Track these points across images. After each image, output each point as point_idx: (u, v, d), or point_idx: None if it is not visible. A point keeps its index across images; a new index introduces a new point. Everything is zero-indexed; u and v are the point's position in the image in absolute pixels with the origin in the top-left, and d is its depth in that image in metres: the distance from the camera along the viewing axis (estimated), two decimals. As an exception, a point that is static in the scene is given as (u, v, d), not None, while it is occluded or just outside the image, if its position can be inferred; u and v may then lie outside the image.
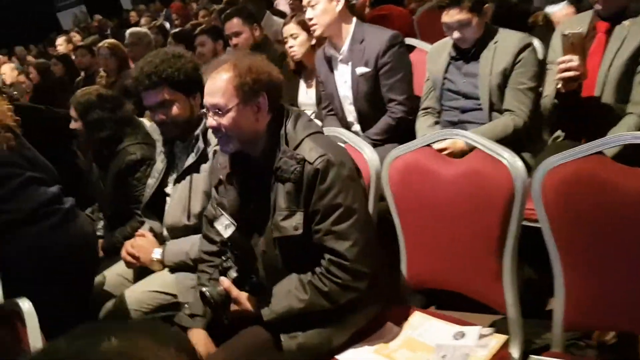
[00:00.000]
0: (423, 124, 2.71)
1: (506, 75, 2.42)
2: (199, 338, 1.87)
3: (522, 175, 1.64)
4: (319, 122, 3.27)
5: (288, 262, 1.78)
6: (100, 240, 2.76)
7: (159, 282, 2.22)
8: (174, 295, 2.16)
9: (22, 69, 8.31)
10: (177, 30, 5.01)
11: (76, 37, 9.35)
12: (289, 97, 3.49)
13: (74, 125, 2.71)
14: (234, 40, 3.71)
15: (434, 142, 1.92)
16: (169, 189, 2.35)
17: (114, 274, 2.47)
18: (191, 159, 2.22)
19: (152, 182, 2.39)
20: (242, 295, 1.82)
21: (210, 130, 2.03)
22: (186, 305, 2.00)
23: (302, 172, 1.68)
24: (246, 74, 1.68)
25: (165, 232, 2.34)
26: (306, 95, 3.46)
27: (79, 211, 2.25)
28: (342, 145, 2.13)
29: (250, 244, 1.83)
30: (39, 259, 2.01)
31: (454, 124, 2.58)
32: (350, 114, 3.01)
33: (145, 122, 3.09)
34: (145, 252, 2.26)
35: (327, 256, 1.70)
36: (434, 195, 1.83)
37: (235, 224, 1.80)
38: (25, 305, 1.58)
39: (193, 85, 2.16)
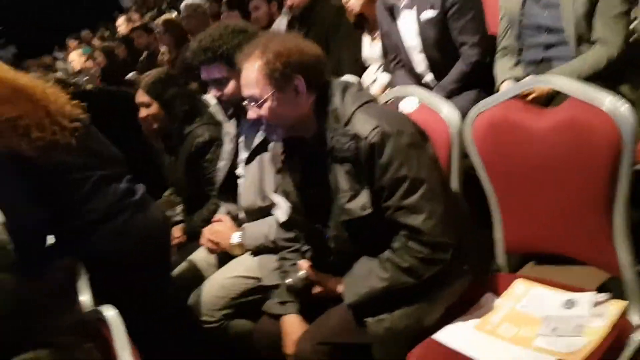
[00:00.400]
0: (503, 66, 2.47)
1: (593, 1, 2.14)
2: (294, 323, 1.81)
3: (628, 122, 1.42)
4: (386, 76, 3.11)
5: (361, 243, 1.68)
6: (182, 225, 2.75)
7: (242, 266, 2.18)
8: (259, 279, 2.11)
9: (90, 51, 8.43)
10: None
11: (135, 16, 9.42)
12: (353, 53, 3.32)
13: (145, 112, 2.66)
14: (289, 1, 3.54)
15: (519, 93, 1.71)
16: (240, 170, 2.27)
17: (198, 259, 2.45)
18: (258, 138, 2.13)
19: (222, 164, 2.33)
20: (323, 277, 1.77)
21: None
22: (274, 290, 1.93)
23: (358, 149, 1.56)
24: (275, 59, 1.57)
25: (242, 215, 2.28)
26: (370, 49, 3.27)
27: (150, 200, 2.20)
28: (417, 102, 1.97)
29: (314, 226, 1.76)
30: (115, 256, 1.98)
31: (537, 63, 2.34)
32: (420, 64, 2.81)
33: (210, 100, 3.03)
34: (224, 238, 2.22)
35: (402, 232, 1.59)
36: (527, 152, 1.64)
37: (290, 205, 1.73)
38: (110, 312, 1.50)
39: None
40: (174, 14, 7.86)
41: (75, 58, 7.56)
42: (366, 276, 1.64)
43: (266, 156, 2.10)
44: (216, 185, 2.47)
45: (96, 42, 9.44)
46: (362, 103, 1.62)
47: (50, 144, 1.88)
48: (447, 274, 1.62)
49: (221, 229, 2.25)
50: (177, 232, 2.73)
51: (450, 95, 2.58)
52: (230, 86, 2.08)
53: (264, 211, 2.12)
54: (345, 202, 1.61)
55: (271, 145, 2.07)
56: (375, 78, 3.22)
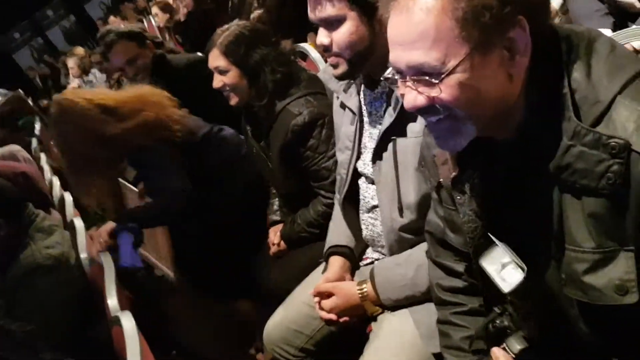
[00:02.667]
0: None
1: None
2: None
3: None
4: None
5: (605, 334, 0.93)
6: (280, 227, 2.10)
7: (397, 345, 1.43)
8: None
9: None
10: None
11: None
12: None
13: (220, 80, 1.96)
14: None
15: None
16: (362, 165, 1.55)
17: (299, 303, 1.73)
18: (389, 117, 1.38)
19: (344, 157, 1.58)
20: None
21: None
22: None
23: (627, 176, 0.79)
24: None
25: (365, 232, 1.59)
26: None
27: None
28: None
29: (542, 297, 0.98)
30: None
31: None
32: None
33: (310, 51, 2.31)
34: (350, 306, 1.52)
35: None
36: None
37: (525, 267, 0.94)
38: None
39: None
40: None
41: (159, 13, 6.92)
42: None
43: (402, 145, 1.37)
44: (327, 180, 1.84)
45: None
46: (629, 77, 0.82)
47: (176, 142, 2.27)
48: None
49: (339, 302, 1.51)
50: (274, 237, 2.08)
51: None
52: (343, 31, 1.32)
53: (405, 231, 1.42)
54: (583, 269, 0.86)
55: (412, 126, 1.34)
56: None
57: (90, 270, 1.98)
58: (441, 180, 1.07)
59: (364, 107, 1.52)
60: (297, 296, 1.73)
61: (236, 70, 1.93)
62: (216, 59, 1.95)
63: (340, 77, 1.43)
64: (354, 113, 1.53)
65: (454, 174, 1.02)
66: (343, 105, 1.58)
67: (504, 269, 0.96)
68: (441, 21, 0.81)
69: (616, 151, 0.79)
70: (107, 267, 1.83)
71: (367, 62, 1.36)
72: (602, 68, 0.84)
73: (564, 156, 0.83)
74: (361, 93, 1.51)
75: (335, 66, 1.39)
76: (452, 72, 0.82)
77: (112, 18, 8.52)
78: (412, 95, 0.86)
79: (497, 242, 0.97)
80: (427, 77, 0.83)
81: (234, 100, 1.98)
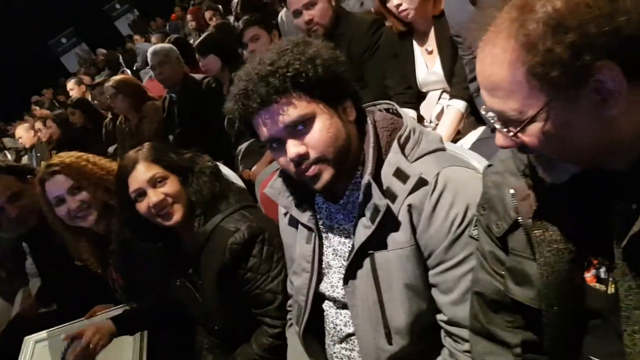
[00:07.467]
0: None
1: None
2: None
3: None
4: (461, 104, 2.21)
5: None
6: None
7: None
8: None
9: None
10: (205, 36, 3.95)
11: (86, 79, 8.46)
12: (402, 76, 2.42)
13: (160, 194, 1.63)
14: (306, 16, 2.58)
15: None
16: (327, 288, 1.32)
17: None
18: (364, 229, 1.17)
19: (302, 281, 1.33)
20: None
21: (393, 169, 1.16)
22: None
23: None
24: (548, 32, 0.71)
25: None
26: (427, 70, 2.35)
27: None
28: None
29: None
30: None
31: None
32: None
33: (224, 170, 2.06)
34: None
35: None
36: None
37: None
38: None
39: (340, 88, 1.19)
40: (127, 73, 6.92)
41: (23, 133, 6.49)
42: None
43: (382, 260, 1.17)
44: (272, 305, 1.59)
45: (43, 112, 8.29)
46: None
47: None
48: None
49: None
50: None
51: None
52: (318, 128, 1.14)
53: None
54: None
55: (395, 237, 1.16)
56: (441, 108, 2.32)
57: None
58: (519, 219, 0.93)
59: (321, 222, 1.32)
60: None
61: (173, 176, 1.65)
62: (148, 170, 1.63)
63: (326, 187, 1.19)
64: (310, 230, 1.31)
65: (535, 206, 0.90)
66: (294, 222, 1.36)
67: None
68: (511, 74, 0.75)
69: None
70: None
71: (348, 159, 1.19)
72: None
73: None
74: (317, 206, 1.32)
75: (316, 177, 1.17)
76: (531, 121, 0.78)
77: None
78: (500, 136, 0.84)
79: None
80: (508, 124, 0.81)
81: (177, 216, 1.62)
